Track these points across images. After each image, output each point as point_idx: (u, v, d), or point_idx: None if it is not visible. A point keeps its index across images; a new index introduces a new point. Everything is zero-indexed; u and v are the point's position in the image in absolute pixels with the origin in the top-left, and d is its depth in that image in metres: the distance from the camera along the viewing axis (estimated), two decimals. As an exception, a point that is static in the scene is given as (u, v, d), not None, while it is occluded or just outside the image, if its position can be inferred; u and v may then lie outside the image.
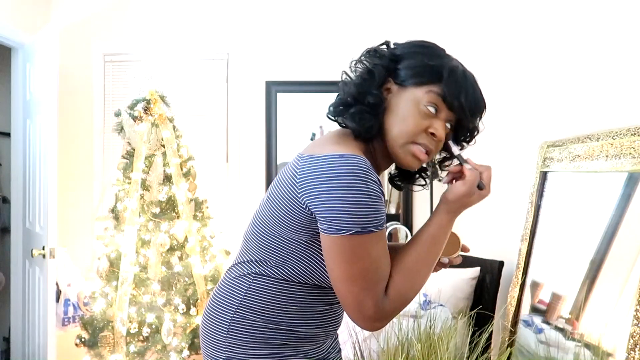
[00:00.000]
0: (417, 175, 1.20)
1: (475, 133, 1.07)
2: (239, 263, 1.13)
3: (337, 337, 1.26)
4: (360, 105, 1.02)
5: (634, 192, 1.21)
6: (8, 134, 3.28)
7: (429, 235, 1.01)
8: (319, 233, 0.98)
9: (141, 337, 2.54)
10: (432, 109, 0.98)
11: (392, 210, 3.21)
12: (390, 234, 2.95)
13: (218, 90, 3.33)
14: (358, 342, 1.63)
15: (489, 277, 1.98)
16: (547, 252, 1.57)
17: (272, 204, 1.03)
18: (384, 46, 1.08)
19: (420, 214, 3.12)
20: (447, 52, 1.05)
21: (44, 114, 2.68)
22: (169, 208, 2.65)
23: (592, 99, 1.52)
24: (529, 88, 1.92)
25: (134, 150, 2.64)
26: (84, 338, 2.56)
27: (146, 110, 2.64)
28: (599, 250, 1.30)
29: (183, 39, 3.28)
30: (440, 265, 1.15)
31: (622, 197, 1.26)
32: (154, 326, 2.50)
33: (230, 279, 1.11)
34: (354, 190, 0.89)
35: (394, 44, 1.08)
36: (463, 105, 0.98)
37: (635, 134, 1.21)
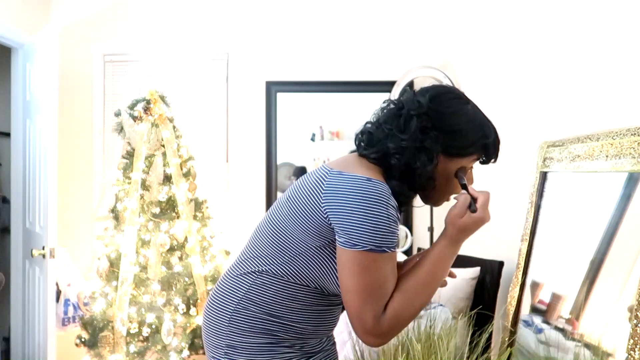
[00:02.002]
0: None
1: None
2: (246, 259, 1.17)
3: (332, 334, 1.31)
4: (404, 179, 1.08)
5: (634, 192, 1.21)
6: (8, 134, 3.28)
7: (429, 262, 1.07)
8: (331, 242, 1.05)
9: (141, 337, 2.54)
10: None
11: (392, 210, 3.21)
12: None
13: (218, 90, 3.33)
14: (358, 342, 1.63)
15: (489, 277, 1.98)
16: (547, 252, 1.57)
17: (291, 205, 1.10)
18: (432, 115, 1.07)
19: (421, 214, 3.12)
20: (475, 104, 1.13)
21: (44, 114, 2.68)
22: (169, 208, 2.65)
23: (592, 99, 1.52)
24: (529, 88, 1.92)
25: (134, 150, 2.64)
26: (84, 338, 2.56)
27: (146, 110, 2.64)
28: (599, 250, 1.30)
29: (183, 38, 3.28)
30: None
31: (622, 197, 1.26)
32: (154, 326, 2.50)
33: (236, 275, 1.17)
34: (375, 211, 0.98)
35: (436, 110, 1.07)
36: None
37: (635, 134, 1.21)
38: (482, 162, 1.15)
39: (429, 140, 1.05)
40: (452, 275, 1.18)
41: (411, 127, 1.05)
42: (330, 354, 1.25)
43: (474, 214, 1.05)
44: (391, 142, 1.06)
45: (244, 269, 1.16)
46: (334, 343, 1.30)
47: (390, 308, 1.02)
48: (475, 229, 1.07)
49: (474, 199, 1.06)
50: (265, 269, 1.11)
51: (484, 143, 1.10)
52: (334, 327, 1.24)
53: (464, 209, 1.06)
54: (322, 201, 1.03)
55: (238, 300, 1.13)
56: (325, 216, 1.03)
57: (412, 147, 1.05)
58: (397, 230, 1.02)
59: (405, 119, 1.07)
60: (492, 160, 1.14)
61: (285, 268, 1.10)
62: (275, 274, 1.10)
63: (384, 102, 1.14)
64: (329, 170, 1.07)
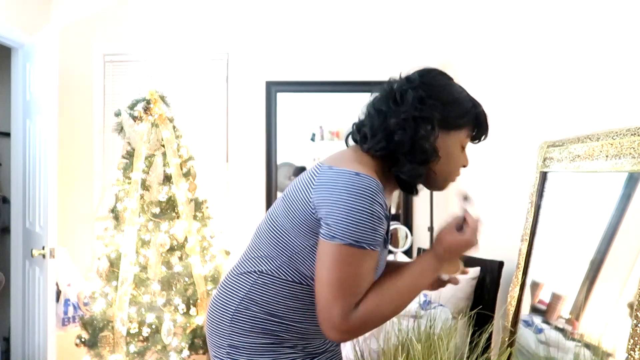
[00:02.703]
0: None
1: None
2: (248, 259, 1.17)
3: None
4: (412, 156, 1.07)
5: (634, 192, 1.21)
6: (8, 134, 3.28)
7: (409, 272, 1.08)
8: None
9: (141, 337, 2.54)
10: (462, 147, 1.13)
11: (392, 210, 3.21)
12: (390, 235, 2.94)
13: (218, 90, 3.33)
14: (358, 342, 1.63)
15: (489, 277, 1.98)
16: (547, 252, 1.57)
17: (286, 204, 1.10)
18: (425, 88, 1.08)
19: (420, 214, 3.13)
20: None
21: (44, 114, 2.68)
22: (169, 208, 2.65)
23: (592, 99, 1.52)
24: (529, 88, 1.92)
25: (134, 150, 2.64)
26: (84, 338, 2.56)
27: (146, 110, 2.64)
28: (599, 250, 1.30)
29: (183, 39, 3.28)
30: (439, 282, 1.20)
31: (622, 197, 1.26)
32: (154, 326, 2.50)
33: (238, 274, 1.17)
34: (359, 206, 0.97)
35: (428, 83, 1.09)
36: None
37: (635, 134, 1.21)
38: (474, 138, 1.15)
39: (427, 108, 1.06)
40: (464, 272, 1.19)
41: (408, 98, 1.06)
42: (335, 355, 1.24)
43: (462, 236, 1.08)
44: (392, 118, 1.06)
45: (245, 269, 1.16)
46: (339, 344, 1.29)
47: (361, 307, 1.00)
48: (461, 250, 1.09)
49: (465, 222, 1.09)
50: (266, 268, 1.11)
51: (476, 112, 1.12)
52: None
53: (453, 229, 1.09)
54: (312, 196, 1.03)
55: (240, 300, 1.13)
56: (314, 211, 1.03)
57: (412, 118, 1.05)
58: (381, 228, 1.01)
59: (400, 94, 1.08)
60: (484, 134, 1.15)
61: (285, 268, 1.09)
62: (276, 274, 1.10)
63: (370, 96, 1.15)
64: (320, 166, 1.08)
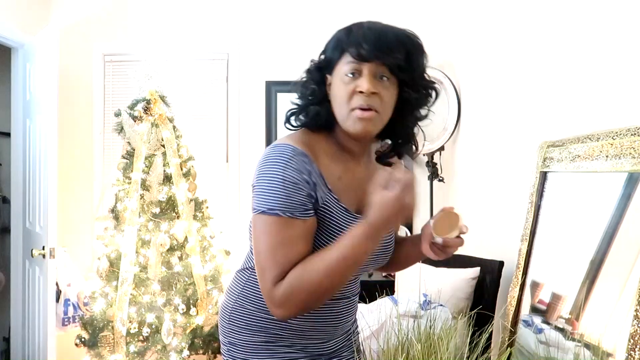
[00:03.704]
0: (401, 145, 1.16)
1: (419, 79, 1.08)
2: (246, 256, 1.19)
3: (350, 336, 1.25)
4: (308, 103, 1.08)
5: (634, 192, 1.21)
6: (8, 134, 3.28)
7: (341, 241, 0.97)
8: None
9: (141, 337, 2.54)
10: (351, 74, 1.01)
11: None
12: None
13: (218, 90, 3.33)
14: (358, 342, 1.63)
15: (489, 277, 1.98)
16: (547, 252, 1.57)
17: None
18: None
19: (421, 214, 3.12)
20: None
21: (44, 114, 2.68)
22: (169, 208, 2.65)
23: (592, 99, 1.52)
24: (529, 88, 1.92)
25: (134, 150, 2.64)
26: (84, 338, 2.56)
27: (146, 110, 2.65)
28: (599, 250, 1.30)
29: (183, 39, 3.28)
30: (436, 247, 1.10)
31: (622, 197, 1.26)
32: (154, 326, 2.50)
33: (238, 272, 1.20)
34: (269, 174, 0.97)
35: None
36: (369, 48, 0.98)
37: (635, 134, 1.21)
38: (359, 56, 0.99)
39: (309, 69, 1.09)
40: (462, 231, 1.07)
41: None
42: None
43: (390, 192, 0.93)
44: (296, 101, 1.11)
45: (242, 265, 1.18)
46: (354, 350, 1.24)
47: (286, 277, 0.95)
48: (393, 209, 0.93)
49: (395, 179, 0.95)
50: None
51: (342, 38, 1.04)
52: (339, 323, 1.17)
53: (379, 188, 0.95)
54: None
55: (235, 297, 1.15)
56: None
57: (303, 84, 1.09)
58: (299, 194, 0.97)
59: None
60: (362, 46, 0.98)
61: None
62: None
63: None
64: None
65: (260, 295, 1.06)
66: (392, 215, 0.94)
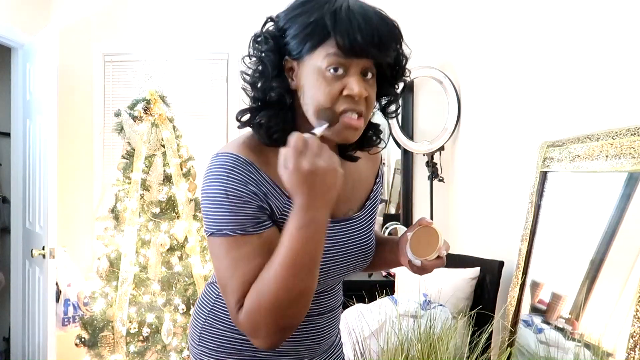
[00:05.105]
0: (367, 136, 1.00)
1: (401, 72, 0.94)
2: None
3: (334, 351, 1.14)
4: (266, 106, 0.92)
5: (634, 192, 1.21)
6: (8, 134, 3.28)
7: (281, 244, 0.80)
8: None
9: (141, 337, 2.54)
10: (337, 71, 0.83)
11: (392, 210, 3.21)
12: (390, 234, 2.94)
13: (218, 90, 3.33)
14: (358, 342, 1.63)
15: (489, 277, 1.98)
16: (547, 252, 1.57)
17: None
18: (269, 23, 0.92)
19: (420, 214, 3.12)
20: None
21: (44, 114, 2.68)
22: (169, 208, 2.65)
23: (592, 99, 1.52)
24: (529, 88, 1.92)
25: (134, 150, 2.65)
26: (84, 338, 2.56)
27: (146, 110, 2.65)
28: (599, 250, 1.30)
29: (183, 39, 3.28)
30: (414, 268, 1.00)
31: (622, 197, 1.26)
32: (154, 326, 2.51)
33: (208, 284, 1.08)
34: (211, 190, 0.85)
35: (277, 16, 0.92)
36: (364, 42, 0.81)
37: (635, 134, 1.21)
38: (350, 50, 0.82)
39: (260, 51, 0.91)
40: (440, 254, 0.96)
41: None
42: None
43: (288, 167, 0.76)
44: (249, 94, 0.95)
45: (212, 277, 1.04)
46: (338, 352, 1.15)
47: (244, 304, 0.82)
48: (300, 184, 0.75)
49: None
50: None
51: (321, 23, 0.82)
52: (318, 341, 1.05)
53: (281, 168, 0.78)
54: None
55: (206, 316, 1.03)
56: None
57: (252, 76, 0.94)
58: (246, 208, 0.84)
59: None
60: (355, 39, 0.80)
61: None
62: None
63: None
64: None
65: (228, 313, 0.94)
66: (305, 190, 0.76)
